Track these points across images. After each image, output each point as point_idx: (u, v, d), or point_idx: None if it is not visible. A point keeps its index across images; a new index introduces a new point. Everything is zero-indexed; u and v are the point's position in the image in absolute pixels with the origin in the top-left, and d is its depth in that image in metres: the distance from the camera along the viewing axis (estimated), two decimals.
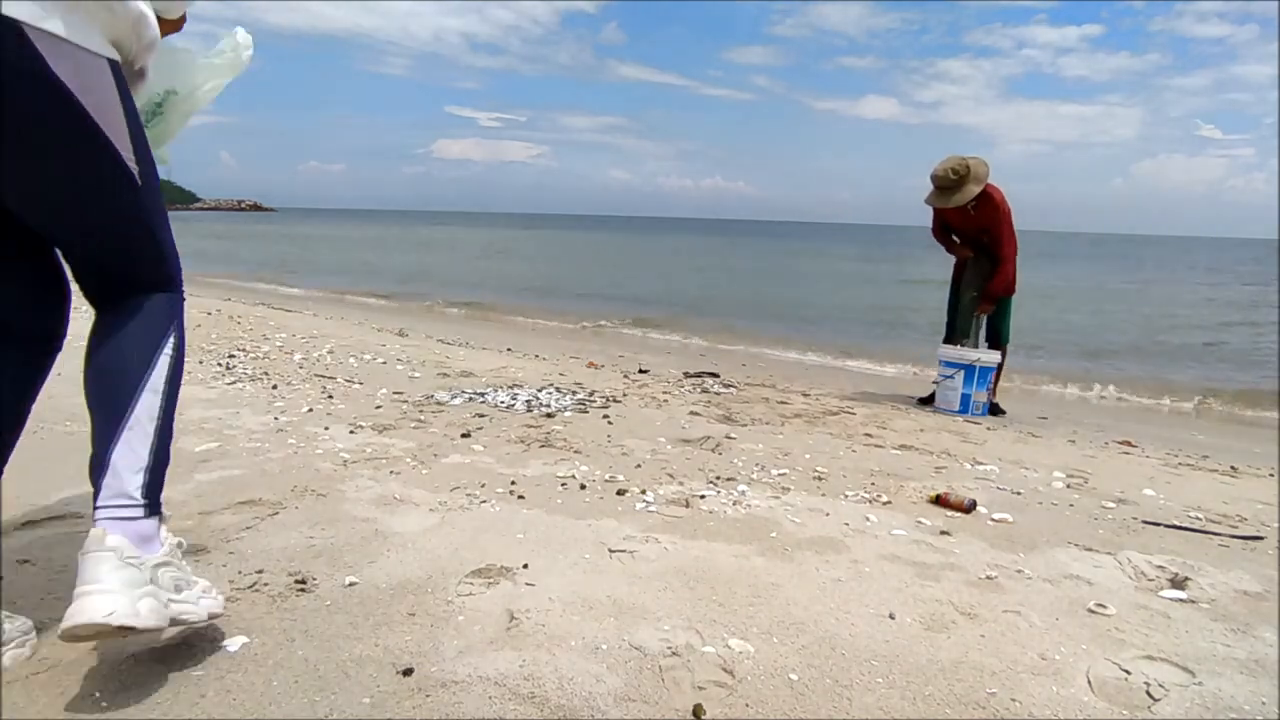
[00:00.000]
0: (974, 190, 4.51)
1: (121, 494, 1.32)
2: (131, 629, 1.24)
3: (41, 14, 1.18)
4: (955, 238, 4.88)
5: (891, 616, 1.77)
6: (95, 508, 1.31)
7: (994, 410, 4.83)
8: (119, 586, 1.24)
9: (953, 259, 4.95)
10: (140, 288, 1.44)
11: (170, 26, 1.52)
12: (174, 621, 1.36)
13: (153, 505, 1.36)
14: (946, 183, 4.56)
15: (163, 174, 1.52)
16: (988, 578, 2.02)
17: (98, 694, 1.34)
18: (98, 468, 1.35)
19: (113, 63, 1.30)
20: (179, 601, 1.36)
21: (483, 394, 3.97)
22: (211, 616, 1.47)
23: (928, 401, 4.88)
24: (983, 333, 4.77)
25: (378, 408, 3.65)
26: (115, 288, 1.43)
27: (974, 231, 4.72)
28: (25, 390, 1.47)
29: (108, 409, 1.37)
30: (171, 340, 1.44)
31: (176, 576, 1.37)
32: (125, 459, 1.34)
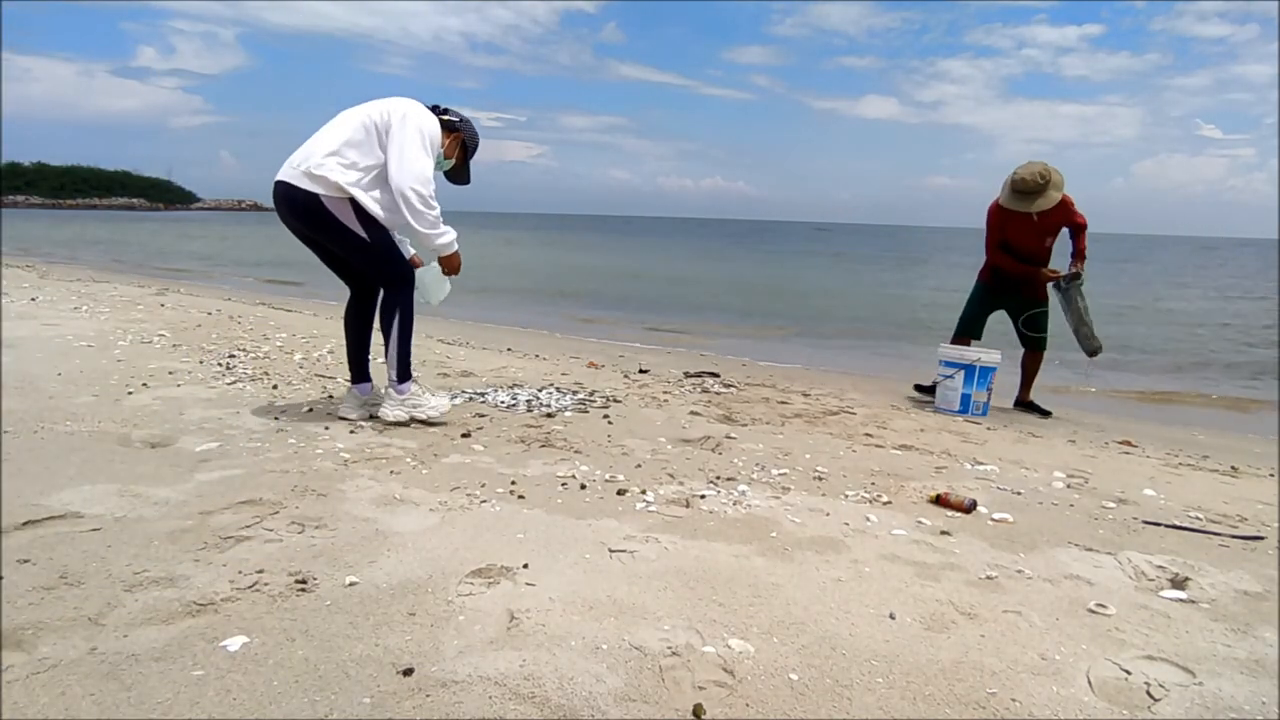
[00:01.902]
0: (1055, 197, 4.45)
1: (390, 378, 3.23)
2: (386, 420, 3.22)
3: (334, 190, 2.98)
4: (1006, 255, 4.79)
5: (891, 616, 1.77)
6: (388, 383, 3.26)
7: (1040, 411, 4.83)
8: (388, 406, 3.24)
9: (979, 262, 4.95)
10: (387, 289, 3.22)
11: (450, 261, 3.28)
12: (413, 419, 3.25)
13: (401, 378, 3.22)
14: (1034, 187, 4.44)
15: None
16: (988, 578, 2.02)
17: (98, 694, 1.34)
18: (365, 376, 3.43)
19: (352, 200, 3.00)
20: (418, 410, 3.25)
21: (483, 394, 3.97)
22: (441, 414, 3.31)
23: (928, 391, 4.88)
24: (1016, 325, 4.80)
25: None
26: (382, 287, 3.25)
27: (1038, 237, 4.64)
28: (374, 309, 3.37)
29: (384, 338, 3.23)
30: (398, 313, 3.18)
31: (416, 402, 3.26)
32: (390, 364, 3.23)
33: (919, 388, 5.08)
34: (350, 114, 3.08)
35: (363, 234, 3.05)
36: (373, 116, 3.02)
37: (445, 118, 3.20)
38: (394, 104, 3.06)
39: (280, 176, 3.04)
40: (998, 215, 4.66)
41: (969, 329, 4.98)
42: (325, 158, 2.96)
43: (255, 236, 31.38)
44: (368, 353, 3.44)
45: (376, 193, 3.03)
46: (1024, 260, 4.71)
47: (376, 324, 3.37)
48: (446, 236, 3.14)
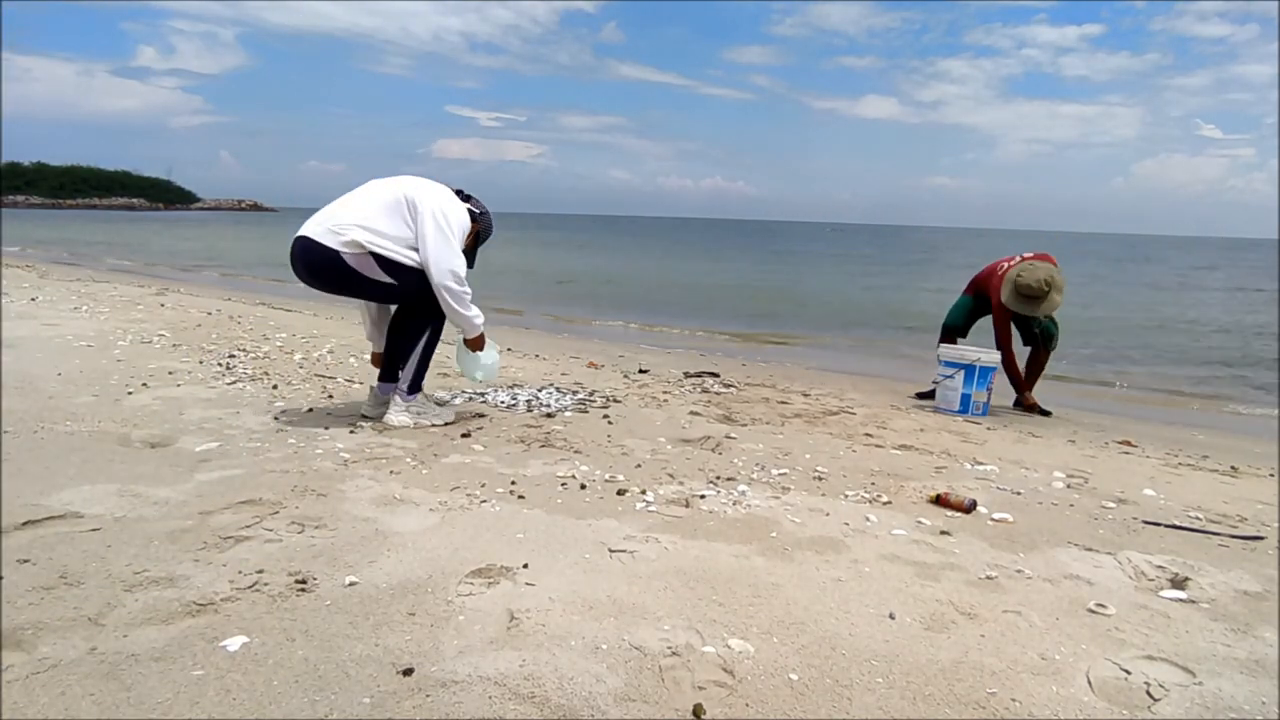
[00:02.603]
0: (1058, 301, 4.56)
1: (401, 388, 3.28)
2: (391, 425, 3.21)
3: (355, 247, 3.02)
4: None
5: (891, 616, 1.77)
6: (397, 390, 3.29)
7: (1041, 411, 4.84)
8: (393, 412, 3.27)
9: (980, 263, 5.01)
10: (425, 316, 3.25)
11: (476, 342, 3.40)
12: (417, 425, 3.24)
13: (412, 390, 3.30)
14: (1039, 293, 4.53)
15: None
16: (988, 578, 2.02)
17: (98, 694, 1.34)
18: (393, 377, 3.35)
19: (373, 253, 3.03)
20: (422, 417, 3.29)
21: (483, 394, 3.97)
22: (446, 423, 3.33)
23: (927, 396, 4.89)
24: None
25: None
26: (407, 313, 3.27)
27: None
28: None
29: (409, 349, 3.26)
30: (428, 333, 3.27)
31: (421, 410, 3.32)
32: (405, 374, 3.27)
33: (920, 395, 5.10)
34: (380, 186, 3.15)
35: (390, 280, 3.10)
36: (407, 194, 3.09)
37: (469, 206, 3.31)
38: (425, 188, 3.14)
39: (302, 232, 3.08)
40: (1003, 312, 4.71)
41: (956, 333, 5.07)
42: (351, 224, 3.01)
43: (258, 236, 31.38)
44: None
45: (402, 248, 3.08)
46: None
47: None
48: (480, 319, 3.30)
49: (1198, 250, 61.67)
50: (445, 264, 3.08)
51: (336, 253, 3.01)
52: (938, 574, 2.02)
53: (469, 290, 3.19)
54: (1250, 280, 23.94)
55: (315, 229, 3.04)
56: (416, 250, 3.09)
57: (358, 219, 3.03)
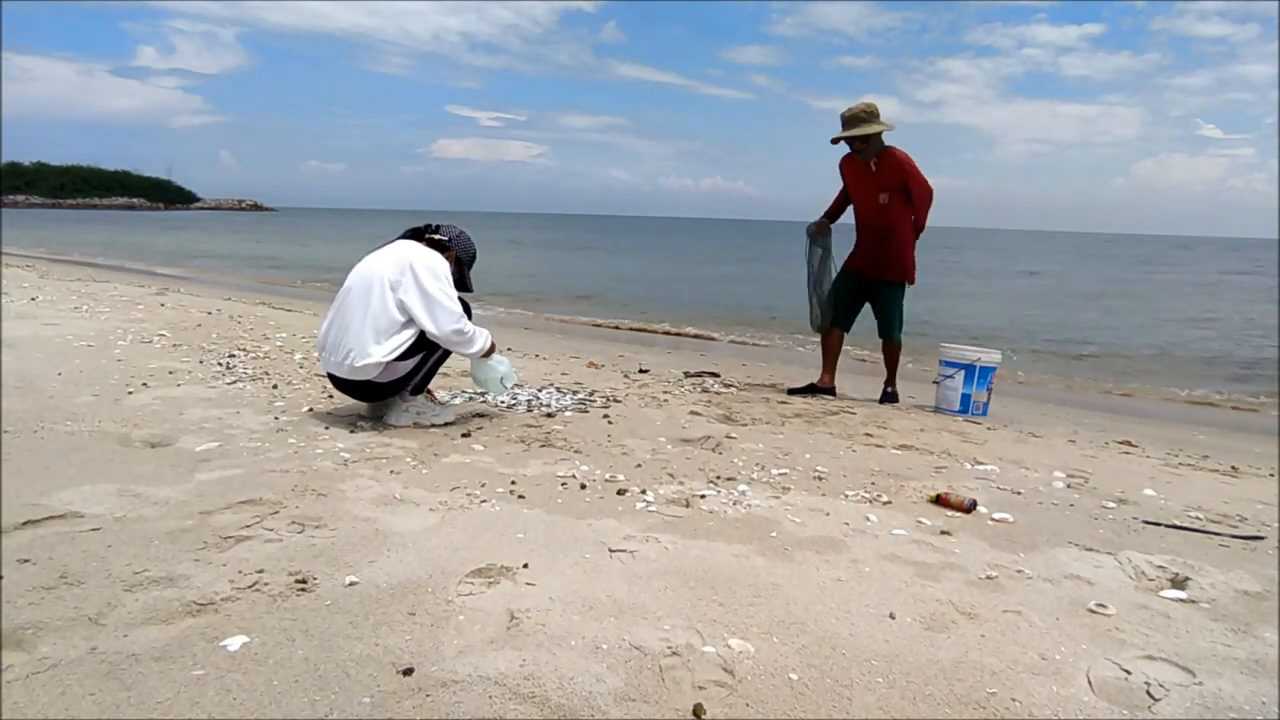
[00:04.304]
0: (883, 128, 4.46)
1: (403, 389, 3.32)
2: (392, 425, 3.27)
3: (378, 368, 3.18)
4: (852, 205, 4.76)
5: (891, 616, 1.77)
6: (400, 390, 3.33)
7: (886, 398, 4.77)
8: (393, 412, 3.33)
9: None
10: (429, 342, 3.27)
11: (487, 353, 3.40)
12: (417, 425, 3.30)
13: (414, 392, 3.39)
14: (858, 116, 4.47)
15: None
16: (988, 578, 2.02)
17: (98, 694, 1.34)
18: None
19: (394, 361, 3.18)
20: (422, 417, 3.33)
21: (483, 393, 3.97)
22: (446, 423, 3.35)
23: (801, 393, 4.80)
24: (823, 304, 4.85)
25: None
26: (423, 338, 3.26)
27: (872, 190, 4.59)
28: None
29: (420, 355, 3.27)
30: (440, 351, 3.35)
31: (421, 410, 3.37)
32: (411, 375, 3.30)
33: (791, 391, 4.90)
34: (361, 290, 3.20)
35: (419, 356, 3.27)
36: (385, 284, 3.18)
37: (437, 237, 3.40)
38: (395, 264, 3.20)
39: (330, 370, 3.27)
40: (841, 165, 4.70)
41: (838, 318, 4.93)
42: (362, 353, 3.13)
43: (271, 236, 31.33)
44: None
45: (408, 332, 3.20)
46: (862, 219, 4.70)
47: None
48: (486, 337, 3.36)
49: (1201, 249, 61.50)
50: (443, 328, 3.18)
51: (369, 380, 3.20)
52: (938, 574, 2.02)
53: (470, 330, 3.26)
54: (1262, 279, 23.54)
55: (340, 368, 3.19)
56: (414, 321, 3.20)
57: (365, 344, 3.14)
